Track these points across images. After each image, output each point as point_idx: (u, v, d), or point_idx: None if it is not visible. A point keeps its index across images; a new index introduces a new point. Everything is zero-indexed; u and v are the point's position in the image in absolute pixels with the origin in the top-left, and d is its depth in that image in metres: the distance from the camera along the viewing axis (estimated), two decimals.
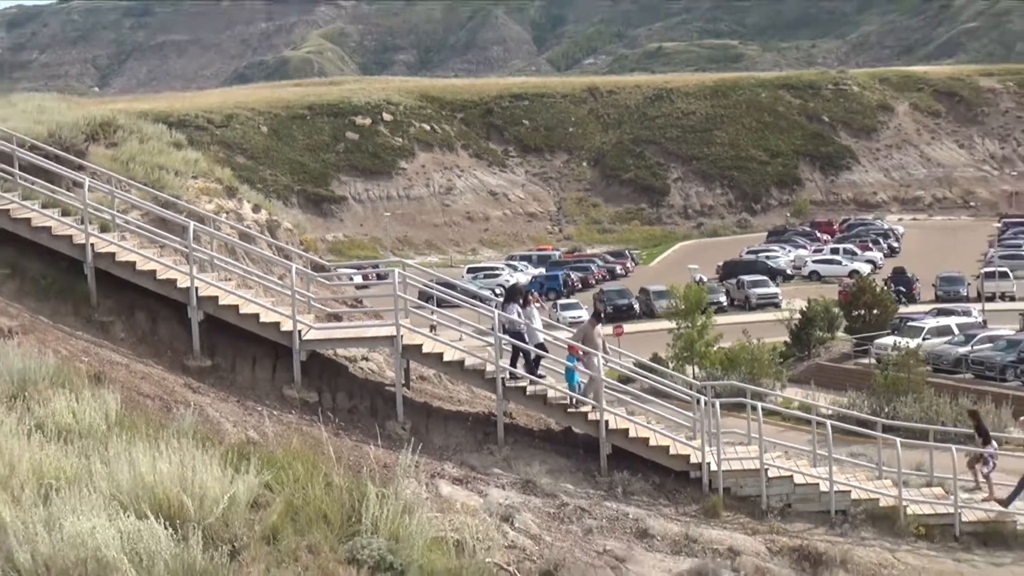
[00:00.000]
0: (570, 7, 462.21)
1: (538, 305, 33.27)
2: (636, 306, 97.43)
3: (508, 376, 29.90)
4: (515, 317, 30.69)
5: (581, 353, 30.69)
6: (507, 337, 31.25)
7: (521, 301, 31.71)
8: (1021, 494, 30.33)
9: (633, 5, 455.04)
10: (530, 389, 30.35)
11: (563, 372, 30.87)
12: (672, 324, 76.25)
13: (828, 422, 31.97)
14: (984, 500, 30.72)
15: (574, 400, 30.28)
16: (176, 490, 12.78)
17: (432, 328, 33.03)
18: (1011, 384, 69.29)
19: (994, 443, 32.54)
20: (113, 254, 28.68)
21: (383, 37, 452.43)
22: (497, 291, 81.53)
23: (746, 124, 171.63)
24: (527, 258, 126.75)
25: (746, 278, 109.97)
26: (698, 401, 31.02)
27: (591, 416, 29.95)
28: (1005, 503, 30.34)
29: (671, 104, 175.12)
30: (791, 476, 30.27)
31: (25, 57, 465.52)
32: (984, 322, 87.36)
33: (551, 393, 30.54)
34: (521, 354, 30.30)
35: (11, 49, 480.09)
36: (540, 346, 30.87)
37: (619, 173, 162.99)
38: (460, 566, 13.98)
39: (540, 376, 30.41)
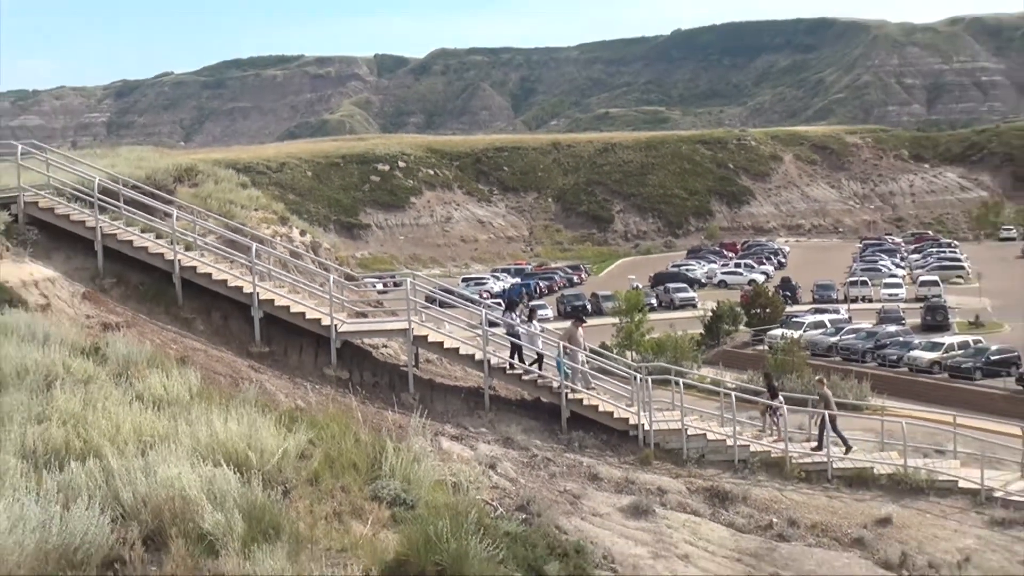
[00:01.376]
0: (539, 82, 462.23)
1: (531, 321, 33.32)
2: (588, 306, 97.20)
3: (494, 360, 30.02)
4: (511, 322, 30.89)
5: (567, 348, 30.87)
6: (496, 332, 31.44)
7: (527, 315, 32.01)
8: (829, 437, 30.64)
9: (587, 81, 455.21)
10: (510, 370, 30.45)
11: (554, 364, 31.01)
12: (616, 320, 76.53)
13: (732, 393, 32.05)
14: (775, 441, 31.15)
15: (557, 382, 30.40)
16: (242, 445, 12.76)
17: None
18: (869, 365, 70.25)
19: (781, 398, 32.85)
20: (195, 267, 28.70)
21: (398, 104, 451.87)
22: (483, 295, 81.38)
23: (671, 170, 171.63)
24: (507, 270, 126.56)
25: (671, 285, 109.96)
26: (635, 378, 31.12)
27: (555, 388, 30.08)
28: (818, 448, 30.72)
29: (615, 155, 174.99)
30: (705, 434, 30.41)
31: (128, 119, 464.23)
32: (849, 318, 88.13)
33: (527, 377, 30.65)
34: (514, 349, 30.53)
35: (117, 113, 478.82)
36: (539, 358, 31.15)
37: (575, 206, 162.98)
38: (456, 502, 13.95)
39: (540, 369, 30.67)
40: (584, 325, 34.46)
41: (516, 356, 30.71)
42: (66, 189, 29.40)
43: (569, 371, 30.29)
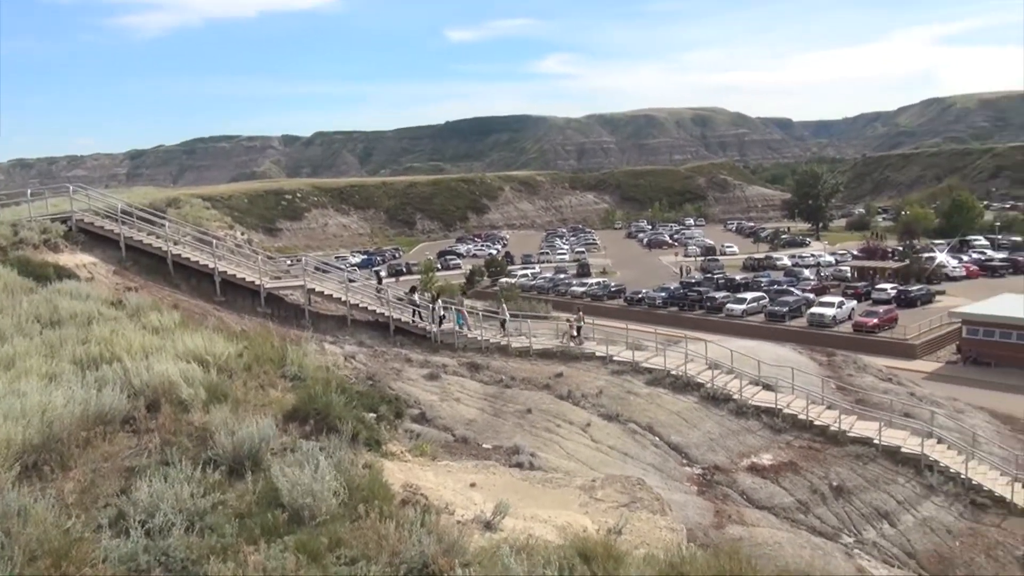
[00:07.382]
0: (374, 150, 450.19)
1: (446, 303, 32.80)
2: (405, 269, 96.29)
3: (352, 300, 29.34)
4: (412, 298, 30.49)
5: (463, 309, 30.90)
6: (354, 285, 30.73)
7: (434, 295, 31.71)
8: (458, 322, 30.70)
9: (400, 149, 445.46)
10: (360, 304, 29.78)
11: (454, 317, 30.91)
12: (419, 276, 76.02)
13: (481, 312, 32.24)
14: (422, 327, 31.20)
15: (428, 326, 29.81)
16: (203, 350, 12.08)
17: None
18: (551, 295, 72.37)
19: (440, 303, 32.46)
20: (180, 253, 26.97)
21: (296, 161, 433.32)
22: (346, 265, 79.37)
23: (446, 196, 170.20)
24: (360, 251, 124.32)
25: (448, 257, 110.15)
26: (429, 307, 30.96)
27: (387, 314, 29.66)
28: (504, 330, 31.32)
29: (416, 189, 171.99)
30: (466, 334, 30.49)
31: (138, 171, 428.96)
32: (540, 271, 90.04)
33: (371, 308, 30.06)
34: (415, 311, 29.97)
35: (132, 168, 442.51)
36: (442, 318, 30.44)
37: (395, 216, 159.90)
38: (327, 376, 13.60)
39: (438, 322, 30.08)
40: (402, 279, 34.26)
41: (416, 313, 30.01)
42: (100, 211, 27.28)
43: (463, 321, 30.23)
